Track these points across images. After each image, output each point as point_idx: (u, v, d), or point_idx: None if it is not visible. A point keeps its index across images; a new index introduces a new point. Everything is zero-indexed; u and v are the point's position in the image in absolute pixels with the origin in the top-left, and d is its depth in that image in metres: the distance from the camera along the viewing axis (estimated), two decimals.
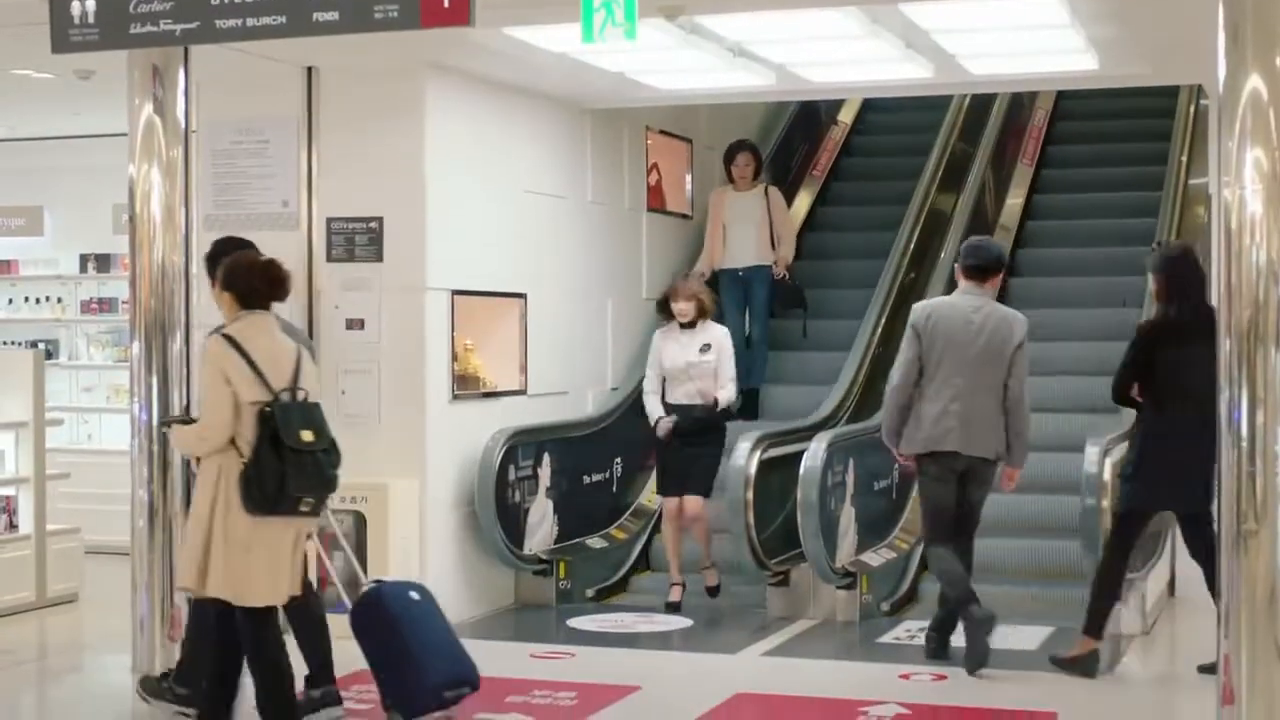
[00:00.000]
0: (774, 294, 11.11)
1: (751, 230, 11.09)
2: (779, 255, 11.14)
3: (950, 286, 8.69)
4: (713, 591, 9.32)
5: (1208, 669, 6.91)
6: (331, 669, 6.70)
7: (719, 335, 9.39)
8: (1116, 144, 13.32)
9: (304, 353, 6.32)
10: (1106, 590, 7.62)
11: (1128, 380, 7.60)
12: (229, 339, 6.08)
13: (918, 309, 7.94)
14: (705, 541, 9.25)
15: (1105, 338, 10.25)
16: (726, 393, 9.34)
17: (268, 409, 5.96)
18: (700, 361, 9.27)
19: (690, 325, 9.32)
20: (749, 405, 10.60)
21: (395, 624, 6.58)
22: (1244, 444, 6.21)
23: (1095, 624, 7.55)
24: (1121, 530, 7.70)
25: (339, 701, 6.71)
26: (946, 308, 7.86)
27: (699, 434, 9.30)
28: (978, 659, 7.51)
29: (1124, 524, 7.68)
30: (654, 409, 9.36)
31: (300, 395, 6.11)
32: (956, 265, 8.02)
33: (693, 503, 9.16)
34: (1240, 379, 6.23)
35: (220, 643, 6.20)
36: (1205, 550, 7.42)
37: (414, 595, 6.83)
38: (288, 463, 5.93)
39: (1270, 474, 6.20)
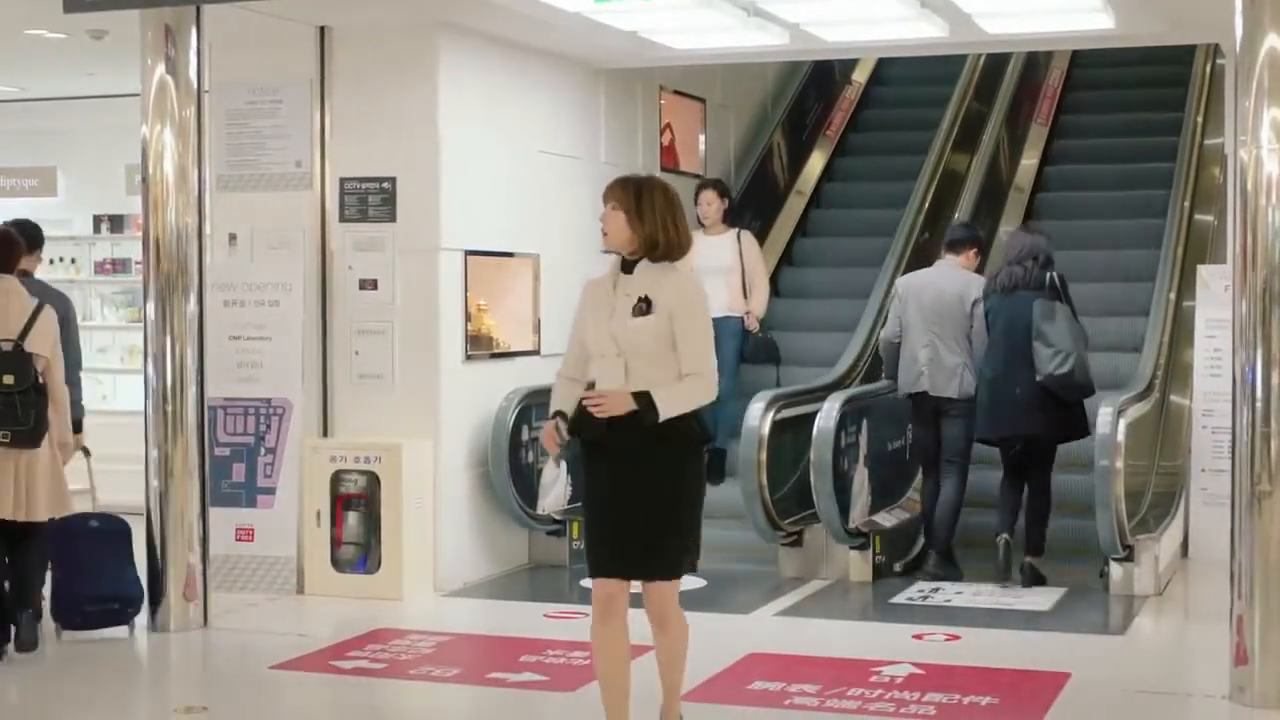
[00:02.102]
0: (744, 347, 10.07)
1: (720, 278, 9.85)
2: (750, 306, 10.08)
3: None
4: None
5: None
6: (30, 593, 7.40)
7: None
8: (1131, 104, 13.28)
9: (45, 311, 7.28)
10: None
11: None
12: None
13: (899, 279, 9.53)
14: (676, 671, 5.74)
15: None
16: None
17: None
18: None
19: None
20: (716, 466, 9.65)
21: (69, 544, 7.62)
22: (1259, 405, 6.23)
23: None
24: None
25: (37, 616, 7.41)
26: (919, 277, 9.27)
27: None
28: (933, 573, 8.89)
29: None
30: None
31: (8, 346, 7.09)
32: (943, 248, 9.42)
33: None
34: (1255, 340, 6.25)
35: None
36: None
37: (94, 524, 7.79)
38: None
39: None
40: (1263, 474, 6.24)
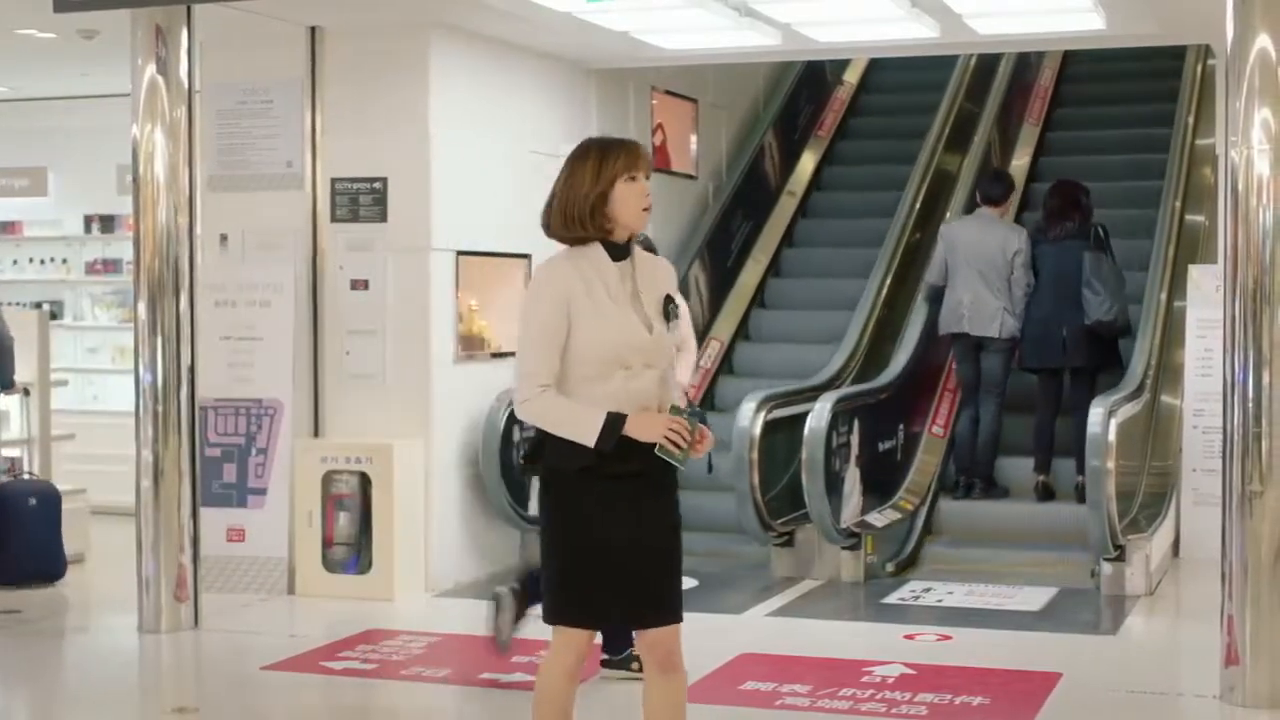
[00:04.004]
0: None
1: None
2: (679, 377, 9.53)
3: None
4: None
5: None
6: None
7: None
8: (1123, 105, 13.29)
9: None
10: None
11: None
12: None
13: (943, 227, 10.45)
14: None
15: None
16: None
17: None
18: None
19: None
20: None
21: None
22: (1249, 405, 6.24)
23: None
24: None
25: None
26: (963, 227, 10.16)
27: None
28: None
29: None
30: None
31: None
32: (977, 193, 10.33)
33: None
34: (1246, 340, 6.25)
35: None
36: None
37: (32, 501, 8.73)
38: None
39: (1276, 435, 6.23)
40: (1253, 474, 6.24)
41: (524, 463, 4.56)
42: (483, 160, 9.15)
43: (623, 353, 4.43)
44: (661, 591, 4.58)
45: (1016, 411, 9.99)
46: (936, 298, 10.12)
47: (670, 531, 4.61)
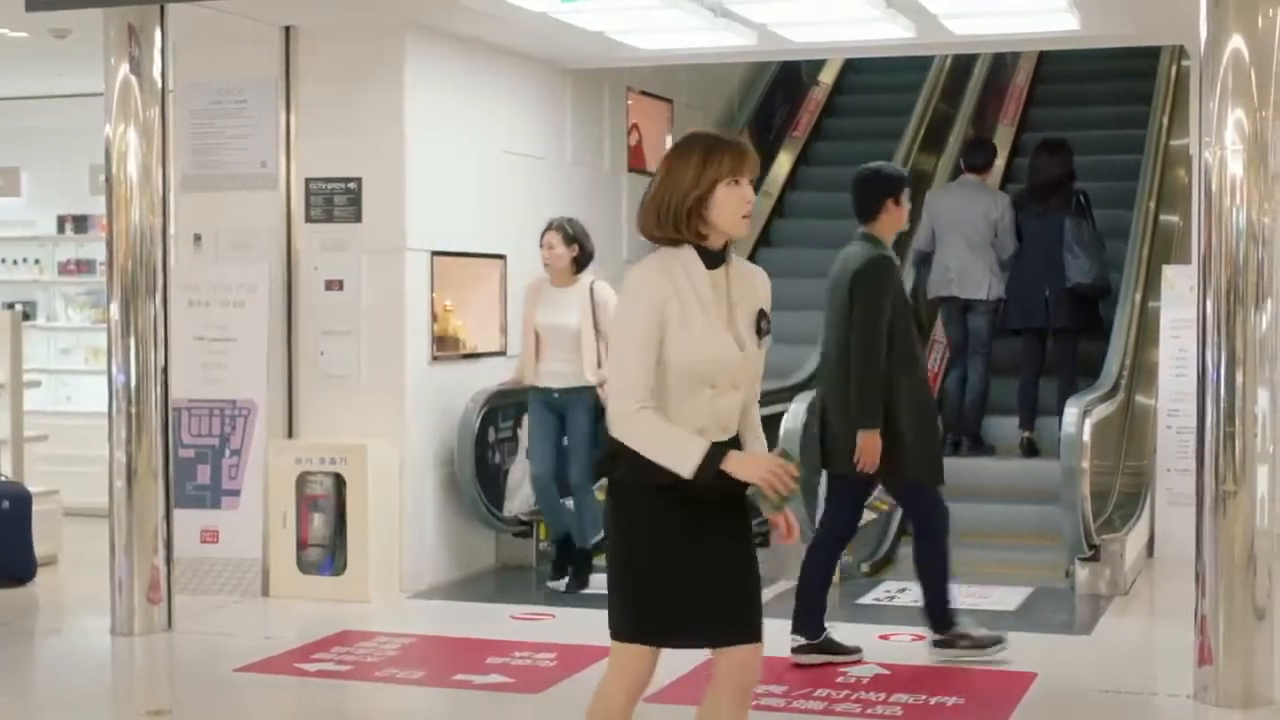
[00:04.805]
0: (598, 425, 8.43)
1: (566, 340, 8.67)
2: (606, 375, 8.62)
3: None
4: None
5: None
6: None
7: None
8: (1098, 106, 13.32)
9: None
10: None
11: None
12: None
13: (929, 195, 10.71)
14: None
15: None
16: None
17: None
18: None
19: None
20: (582, 570, 8.77)
21: None
22: (1223, 405, 6.25)
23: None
24: None
25: None
26: (949, 195, 10.52)
27: None
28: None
29: None
30: None
31: None
32: (961, 160, 10.89)
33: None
34: (1220, 340, 6.26)
35: None
36: None
37: (4, 504, 8.73)
38: None
39: (1249, 435, 6.24)
40: (1227, 474, 6.26)
41: (596, 469, 4.40)
42: (458, 160, 9.14)
43: (710, 370, 4.13)
44: (741, 610, 4.30)
45: (1001, 373, 10.37)
46: (924, 263, 10.52)
47: (746, 547, 4.32)
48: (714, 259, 4.20)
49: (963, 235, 10.17)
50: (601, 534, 9.34)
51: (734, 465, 4.08)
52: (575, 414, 8.61)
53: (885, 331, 6.83)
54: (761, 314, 4.27)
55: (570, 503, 8.75)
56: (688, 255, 4.18)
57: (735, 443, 4.22)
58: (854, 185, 7.12)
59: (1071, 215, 10.07)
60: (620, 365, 4.16)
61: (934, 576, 7.09)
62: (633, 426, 4.12)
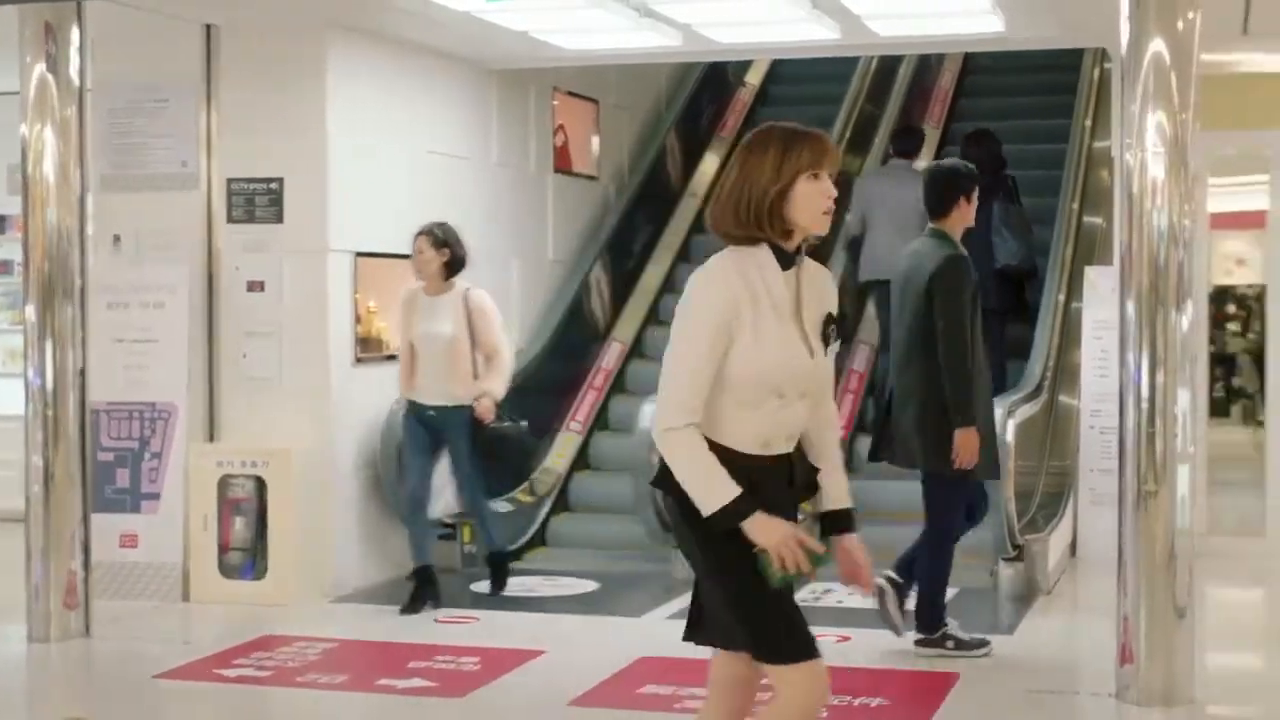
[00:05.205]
0: (476, 444, 8.28)
1: (440, 351, 8.25)
2: (486, 386, 8.27)
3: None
4: None
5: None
6: None
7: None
8: (1023, 106, 13.38)
9: None
10: None
11: None
12: None
13: (858, 180, 10.89)
14: None
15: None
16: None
17: None
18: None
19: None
20: (501, 577, 8.72)
21: None
22: (1144, 405, 6.28)
23: None
24: None
25: None
26: (879, 179, 10.77)
27: None
28: None
29: None
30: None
31: None
32: (890, 146, 11.20)
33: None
34: (1141, 341, 6.29)
35: None
36: None
37: None
38: None
39: (1170, 435, 6.27)
40: (1148, 474, 6.29)
41: (658, 484, 3.96)
42: (381, 161, 9.07)
43: (780, 379, 3.87)
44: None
45: None
46: (855, 247, 10.61)
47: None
48: (788, 259, 3.93)
49: (893, 219, 10.22)
50: (510, 544, 9.42)
51: (753, 526, 3.79)
52: (453, 435, 8.25)
53: (970, 329, 6.98)
54: (829, 319, 4.00)
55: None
56: (764, 256, 3.89)
57: (799, 453, 3.99)
58: (928, 182, 7.27)
59: (1000, 200, 10.17)
60: (673, 375, 3.86)
61: (932, 575, 7.16)
62: (675, 443, 3.83)
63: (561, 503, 10.35)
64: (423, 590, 8.27)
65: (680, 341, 3.88)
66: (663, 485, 3.94)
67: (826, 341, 3.97)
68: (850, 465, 9.59)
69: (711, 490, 3.81)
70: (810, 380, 3.93)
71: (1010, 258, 10.16)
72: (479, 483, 8.39)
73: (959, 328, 6.96)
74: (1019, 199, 10.43)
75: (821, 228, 3.90)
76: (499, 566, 8.71)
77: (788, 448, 3.96)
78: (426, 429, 8.29)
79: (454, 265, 8.31)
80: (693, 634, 4.15)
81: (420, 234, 8.28)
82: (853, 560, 4.08)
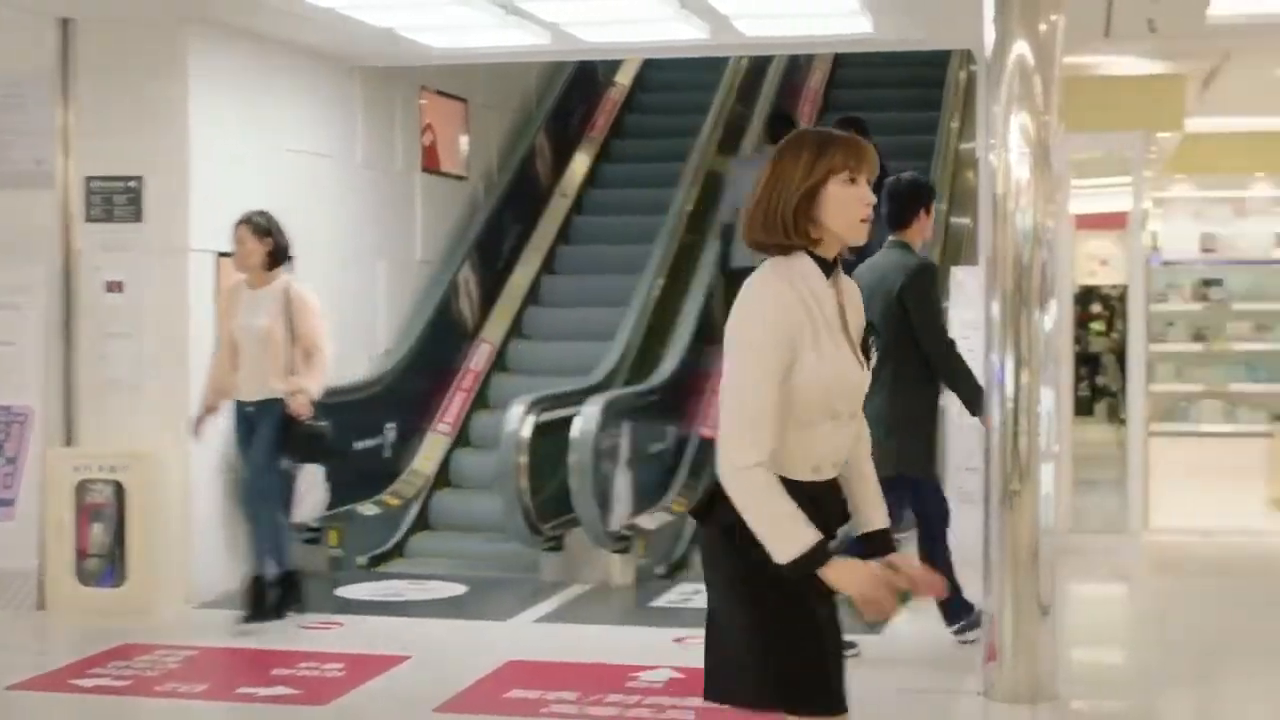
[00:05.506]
0: (283, 437, 7.90)
1: (256, 344, 7.91)
2: (305, 382, 7.90)
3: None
4: None
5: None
6: None
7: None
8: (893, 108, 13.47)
9: None
10: None
11: None
12: None
13: (731, 163, 11.28)
14: None
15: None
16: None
17: None
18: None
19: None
20: (297, 594, 8.13)
21: None
22: (1009, 405, 6.32)
23: None
24: None
25: None
26: (750, 165, 10.49)
27: None
28: None
29: None
30: None
31: None
32: (764, 133, 11.15)
33: None
34: (1006, 341, 6.33)
35: None
36: None
37: None
38: None
39: (1034, 434, 6.31)
40: (1014, 473, 6.32)
41: (699, 511, 3.68)
42: (243, 159, 8.92)
43: (835, 398, 3.60)
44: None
45: None
46: (727, 235, 10.56)
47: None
48: (827, 269, 3.65)
49: None
50: (374, 550, 9.31)
51: (836, 575, 3.49)
52: (261, 427, 7.86)
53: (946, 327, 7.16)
54: (870, 329, 3.78)
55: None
56: (804, 264, 3.62)
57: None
58: (888, 195, 7.21)
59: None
60: (740, 409, 3.52)
61: (948, 563, 7.20)
62: (747, 484, 3.50)
63: (422, 521, 10.21)
64: (261, 599, 7.94)
65: (744, 367, 3.54)
66: (703, 517, 3.66)
67: (868, 355, 3.71)
68: None
69: (788, 537, 3.48)
70: (858, 397, 3.67)
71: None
72: (271, 481, 7.91)
73: (941, 330, 7.17)
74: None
75: (858, 236, 3.63)
76: (290, 584, 8.05)
77: (834, 473, 3.68)
78: (249, 426, 7.94)
79: (277, 255, 7.99)
80: (717, 692, 3.77)
81: (241, 223, 7.94)
82: (917, 574, 3.77)
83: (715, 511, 3.59)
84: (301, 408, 7.84)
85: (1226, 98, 13.12)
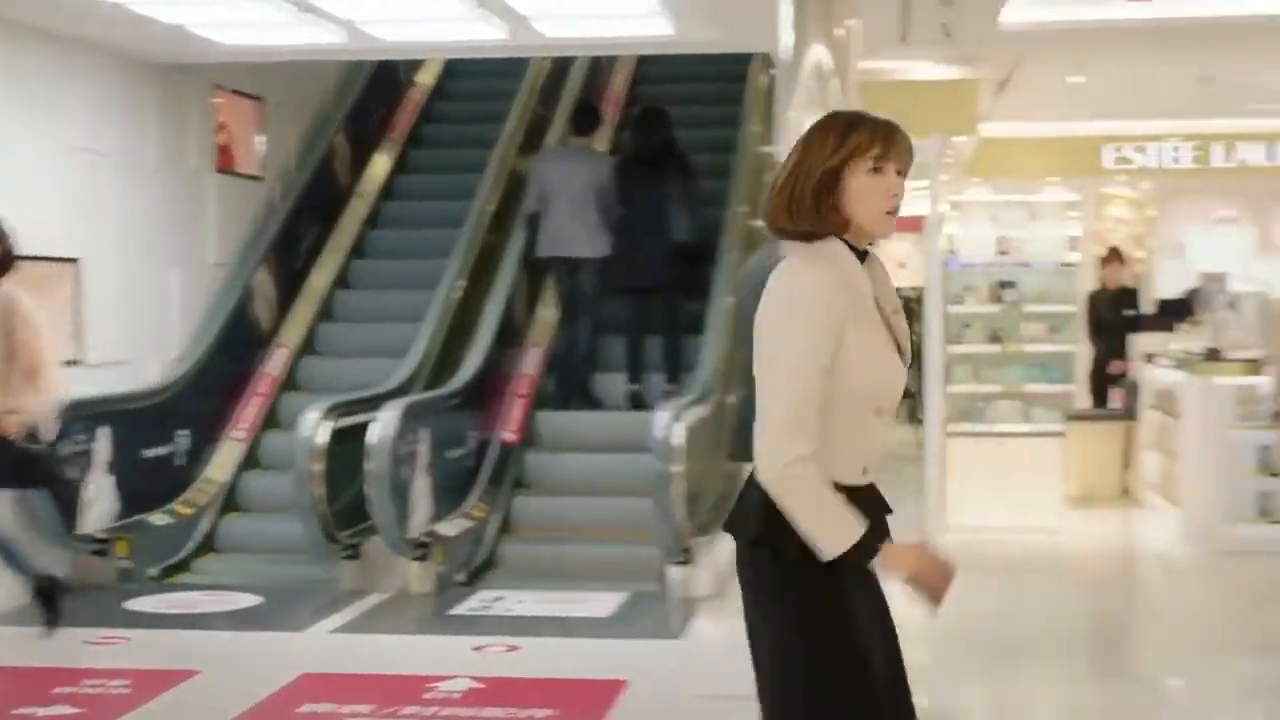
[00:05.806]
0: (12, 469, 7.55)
1: None
2: (15, 404, 7.36)
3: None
4: None
5: None
6: None
7: None
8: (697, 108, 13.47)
9: None
10: None
11: None
12: None
13: (536, 158, 11.15)
14: None
15: None
16: None
17: None
18: None
19: None
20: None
21: None
22: None
23: None
24: None
25: None
26: (557, 158, 10.78)
27: None
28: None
29: None
30: None
31: None
32: (570, 125, 11.17)
33: None
34: None
35: None
36: None
37: None
38: None
39: None
40: None
41: (734, 527, 3.51)
42: (25, 159, 8.64)
43: (881, 394, 3.41)
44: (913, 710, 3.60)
45: (612, 331, 10.59)
46: (533, 225, 10.55)
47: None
48: (860, 257, 3.44)
49: (569, 197, 10.27)
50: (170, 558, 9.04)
51: (888, 558, 3.33)
52: None
53: None
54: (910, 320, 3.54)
55: None
56: (836, 248, 3.39)
57: None
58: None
59: (676, 177, 10.32)
60: (781, 405, 3.30)
61: None
62: (791, 479, 3.30)
63: (230, 503, 9.97)
64: (52, 599, 7.62)
65: (786, 359, 3.32)
66: (740, 530, 3.49)
67: (910, 350, 3.52)
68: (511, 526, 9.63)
69: (838, 529, 3.29)
70: (900, 392, 3.46)
71: (685, 234, 10.31)
72: None
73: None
74: (694, 176, 10.50)
75: (883, 229, 3.42)
76: (53, 589, 7.70)
77: (878, 476, 3.50)
78: None
79: (3, 263, 7.45)
80: None
81: None
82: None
83: (779, 533, 3.35)
84: (8, 428, 7.31)
85: (1020, 103, 13.38)
